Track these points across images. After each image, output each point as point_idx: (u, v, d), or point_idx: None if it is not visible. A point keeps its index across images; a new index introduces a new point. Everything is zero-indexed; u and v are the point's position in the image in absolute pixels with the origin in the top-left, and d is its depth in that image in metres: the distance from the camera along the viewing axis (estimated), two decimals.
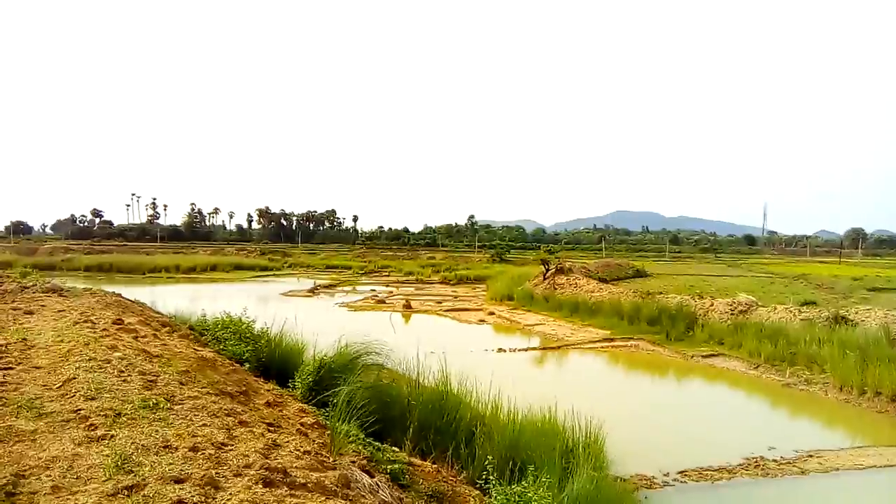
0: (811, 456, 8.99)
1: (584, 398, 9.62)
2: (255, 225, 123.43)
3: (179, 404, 4.45)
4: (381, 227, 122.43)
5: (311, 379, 6.95)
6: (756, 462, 8.72)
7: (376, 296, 30.71)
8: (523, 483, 4.48)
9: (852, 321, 15.35)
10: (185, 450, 3.54)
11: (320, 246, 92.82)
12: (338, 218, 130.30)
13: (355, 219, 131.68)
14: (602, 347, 17.86)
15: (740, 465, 8.61)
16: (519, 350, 17.12)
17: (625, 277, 35.12)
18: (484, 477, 4.96)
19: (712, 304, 19.27)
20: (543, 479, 4.57)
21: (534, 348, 17.63)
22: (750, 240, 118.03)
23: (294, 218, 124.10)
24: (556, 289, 26.44)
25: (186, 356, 6.31)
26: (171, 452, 3.47)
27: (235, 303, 16.76)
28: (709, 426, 11.06)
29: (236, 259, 53.77)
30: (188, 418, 4.19)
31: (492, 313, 24.75)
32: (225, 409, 4.72)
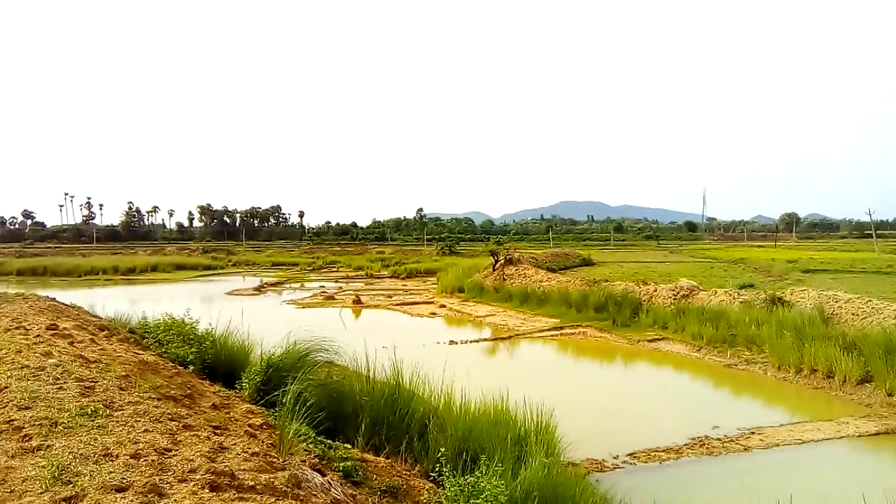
0: (753, 433, 9.33)
1: (535, 386, 9.73)
2: (196, 223, 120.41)
3: (119, 410, 4.28)
4: (329, 222, 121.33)
5: (258, 379, 6.79)
6: (701, 441, 9.00)
7: (325, 292, 30.37)
8: (476, 473, 4.50)
9: (788, 302, 15.98)
10: (127, 457, 3.40)
11: (266, 243, 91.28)
12: (283, 214, 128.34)
13: (301, 214, 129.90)
14: (552, 336, 18.12)
15: (686, 444, 8.87)
16: (470, 341, 17.20)
17: (572, 266, 35.74)
18: (437, 469, 4.96)
19: (656, 290, 19.78)
20: (496, 468, 4.60)
21: (485, 339, 17.76)
22: (690, 226, 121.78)
23: (237, 215, 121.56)
24: (505, 279, 26.68)
25: (126, 360, 6.09)
26: (112, 460, 3.33)
27: (178, 304, 16.30)
28: (656, 408, 11.36)
29: (178, 259, 52.29)
30: (129, 424, 4.03)
31: (443, 306, 24.81)
32: (168, 414, 4.57)
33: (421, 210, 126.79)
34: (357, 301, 25.94)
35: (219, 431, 4.57)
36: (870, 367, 11.31)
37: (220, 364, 8.05)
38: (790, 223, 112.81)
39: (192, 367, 7.40)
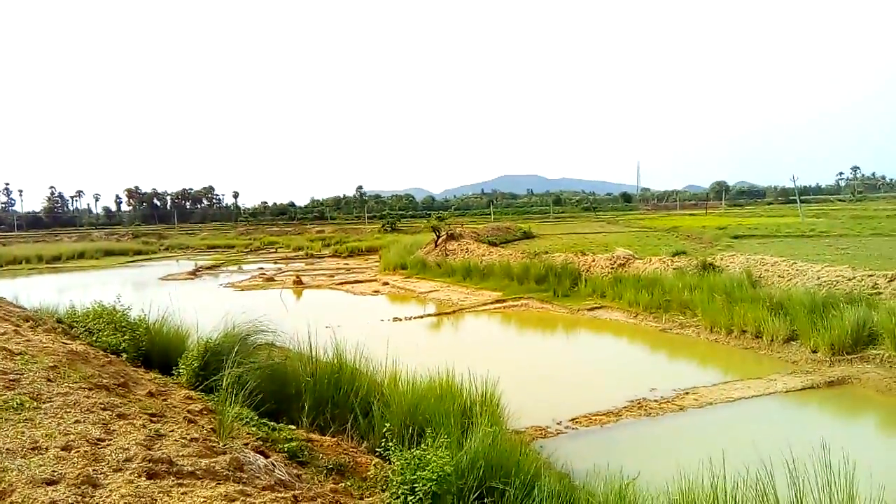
0: (688, 393, 9.72)
1: (480, 359, 9.82)
2: (124, 207, 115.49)
3: (48, 402, 4.09)
4: (265, 202, 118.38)
5: (196, 364, 6.61)
6: (639, 403, 9.32)
7: (264, 274, 29.77)
8: (422, 446, 4.52)
9: (719, 267, 16.62)
10: (57, 449, 3.26)
11: (199, 225, 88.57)
12: (217, 195, 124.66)
13: (236, 195, 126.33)
14: (495, 308, 18.34)
15: (625, 407, 9.17)
16: (415, 318, 17.23)
17: (513, 240, 36.15)
18: (383, 445, 4.96)
19: (594, 260, 20.23)
20: (442, 440, 4.63)
21: (429, 315, 17.81)
22: (626, 197, 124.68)
23: (168, 197, 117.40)
24: (448, 255, 26.76)
25: (54, 351, 5.81)
26: (41, 454, 3.19)
27: (109, 291, 15.65)
28: (596, 374, 11.68)
29: (106, 244, 50.13)
30: (59, 416, 3.87)
31: (386, 283, 24.72)
32: (101, 404, 4.40)
33: (361, 188, 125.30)
34: (298, 282, 25.55)
35: (155, 419, 4.43)
36: (795, 326, 11.90)
37: (155, 351, 7.80)
38: (720, 191, 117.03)
39: (125, 356, 7.14)
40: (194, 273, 31.98)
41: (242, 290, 24.65)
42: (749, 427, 8.62)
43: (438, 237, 28.83)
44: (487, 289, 21.00)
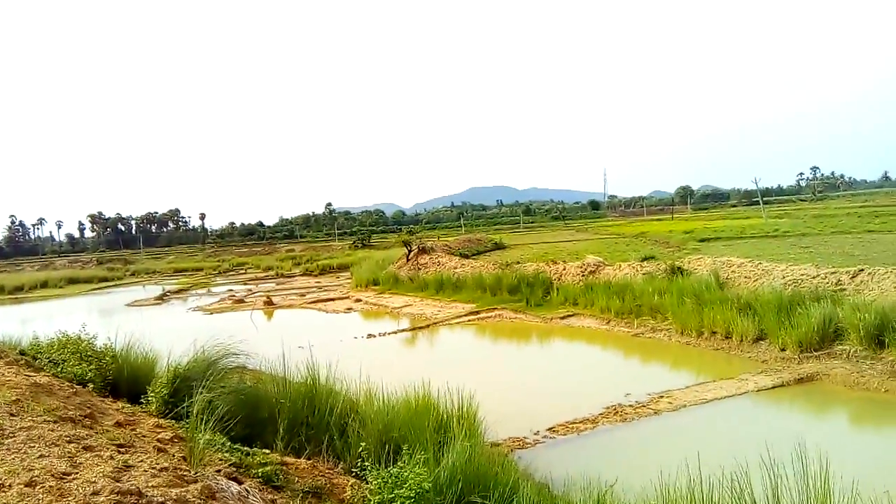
0: (662, 397, 9.80)
1: (456, 372, 9.81)
2: (88, 233, 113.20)
3: (11, 437, 3.95)
4: (233, 223, 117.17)
5: (165, 391, 6.45)
6: (615, 409, 9.36)
7: (234, 295, 29.35)
8: (399, 464, 4.46)
9: (687, 271, 16.86)
10: (21, 486, 3.14)
11: (166, 249, 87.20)
12: (182, 217, 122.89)
13: (203, 217, 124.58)
14: (469, 320, 18.33)
15: (602, 414, 9.20)
16: (389, 333, 17.12)
17: (485, 251, 36.24)
18: (360, 464, 4.88)
19: (565, 268, 20.36)
20: (419, 457, 4.58)
21: (404, 330, 17.73)
22: (594, 205, 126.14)
23: (133, 222, 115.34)
24: (420, 269, 26.71)
25: (17, 384, 5.62)
26: (4, 491, 3.07)
27: (74, 320, 15.27)
28: (572, 382, 11.73)
29: (70, 272, 48.98)
30: (22, 451, 3.73)
31: (358, 300, 24.56)
32: (66, 436, 4.26)
33: (330, 205, 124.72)
34: (268, 302, 25.24)
35: (123, 449, 4.30)
36: (763, 325, 12.10)
37: (123, 380, 7.59)
38: (685, 196, 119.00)
39: (91, 386, 6.93)
40: (162, 298, 31.39)
41: (212, 313, 24.25)
42: (723, 427, 8.72)
43: (410, 251, 28.77)
44: (461, 301, 20.99)
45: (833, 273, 13.37)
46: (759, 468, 4.43)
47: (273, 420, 6.24)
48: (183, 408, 5.92)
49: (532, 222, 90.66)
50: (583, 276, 19.30)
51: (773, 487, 4.29)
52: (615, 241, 36.84)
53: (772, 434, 7.12)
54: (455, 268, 25.21)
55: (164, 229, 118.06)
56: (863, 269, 12.92)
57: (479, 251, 35.64)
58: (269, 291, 29.84)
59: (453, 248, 32.73)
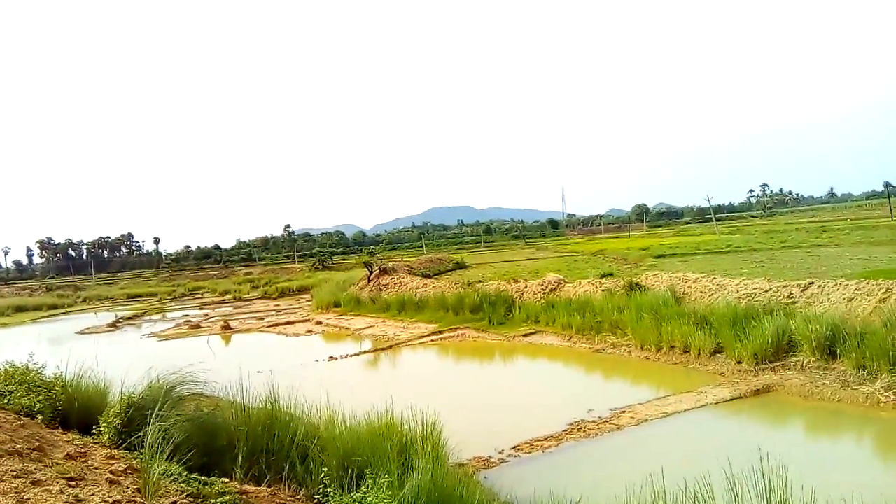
0: (624, 412, 9.88)
1: (419, 393, 9.74)
2: (37, 259, 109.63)
3: None
4: (189, 246, 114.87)
5: (118, 421, 6.22)
6: (579, 425, 9.40)
7: (190, 321, 28.66)
8: (363, 488, 4.38)
9: (645, 287, 17.13)
10: None
11: (119, 275, 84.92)
12: (136, 242, 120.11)
13: (157, 241, 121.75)
14: (432, 341, 18.25)
15: (565, 430, 9.23)
16: (351, 356, 16.92)
17: (446, 271, 36.27)
18: (322, 490, 4.78)
19: (526, 286, 20.50)
20: (382, 481, 4.50)
21: (366, 352, 17.54)
22: (553, 223, 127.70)
23: (84, 247, 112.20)
24: (381, 290, 26.55)
25: None
26: None
27: (21, 349, 14.64)
28: (536, 399, 11.75)
29: (17, 300, 47.21)
30: None
31: (319, 322, 24.25)
32: (13, 471, 4.07)
33: (289, 226, 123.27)
34: (226, 327, 24.72)
35: (74, 483, 4.13)
36: (720, 338, 12.35)
37: (74, 411, 7.29)
38: (641, 213, 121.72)
39: (40, 417, 6.64)
40: (114, 325, 30.44)
41: (167, 339, 23.62)
42: (685, 440, 8.83)
43: (371, 272, 28.60)
44: (423, 321, 20.91)
45: (785, 286, 13.76)
46: (720, 480, 4.49)
47: (232, 447, 6.07)
48: (137, 438, 5.72)
49: (493, 241, 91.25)
50: (544, 293, 19.45)
51: (734, 498, 4.35)
52: (574, 259, 37.33)
53: (731, 445, 7.24)
54: (417, 288, 25.15)
55: (117, 254, 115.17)
56: (813, 283, 13.33)
57: (441, 271, 35.67)
58: (226, 316, 29.25)
59: (415, 269, 32.69)
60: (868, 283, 12.05)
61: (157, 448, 4.90)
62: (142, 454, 5.16)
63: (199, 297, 44.37)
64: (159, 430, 5.24)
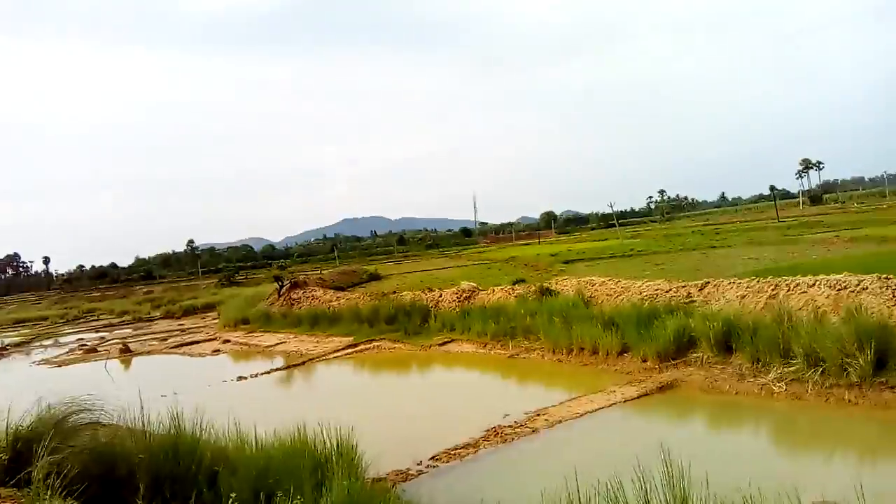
0: (539, 415, 10.05)
1: (335, 408, 9.53)
2: None
3: None
4: (82, 266, 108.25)
5: (5, 456, 5.73)
6: (496, 431, 9.47)
7: (85, 345, 26.84)
8: None
9: (555, 291, 17.56)
10: None
11: (5, 298, 78.78)
12: (23, 262, 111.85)
13: (46, 261, 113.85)
14: (347, 354, 17.96)
15: (483, 437, 9.27)
16: (262, 374, 16.35)
17: (360, 282, 35.88)
18: None
19: (441, 295, 20.57)
20: (296, 502, 4.35)
21: (278, 369, 17.01)
22: (466, 232, 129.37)
23: None
24: (293, 304, 25.89)
25: None
26: None
27: None
28: (453, 407, 11.77)
29: None
30: None
31: (227, 341, 23.34)
32: None
33: (192, 242, 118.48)
34: (125, 350, 23.31)
35: None
36: (626, 339, 12.81)
37: None
38: (549, 220, 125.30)
39: None
40: (0, 352, 28.11)
41: (60, 365, 21.98)
42: (596, 439, 9.09)
43: (282, 287, 27.84)
44: (337, 335, 20.53)
45: (683, 287, 14.48)
46: (630, 476, 4.64)
47: (132, 477, 5.70)
48: (27, 472, 5.29)
49: (407, 251, 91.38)
50: (459, 301, 19.59)
51: (643, 493, 4.51)
52: (487, 267, 37.90)
53: (639, 441, 7.52)
54: (330, 301, 24.70)
55: (2, 276, 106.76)
56: (708, 282, 14.11)
57: (355, 283, 35.24)
58: (125, 338, 27.64)
59: (328, 281, 32.13)
60: (758, 281, 12.89)
61: (49, 483, 4.54)
62: (32, 490, 4.76)
63: (95, 320, 41.74)
64: (51, 464, 4.87)
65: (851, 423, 8.47)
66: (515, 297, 18.04)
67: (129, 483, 5.69)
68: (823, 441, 8.43)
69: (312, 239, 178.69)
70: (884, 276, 11.01)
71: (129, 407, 6.81)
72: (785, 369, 9.81)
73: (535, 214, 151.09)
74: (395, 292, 23.69)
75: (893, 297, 10.39)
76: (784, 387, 9.63)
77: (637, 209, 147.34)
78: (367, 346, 18.49)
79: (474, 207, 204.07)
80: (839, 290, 11.13)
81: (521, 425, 9.64)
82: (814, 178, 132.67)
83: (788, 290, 11.98)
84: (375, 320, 20.22)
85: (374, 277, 38.73)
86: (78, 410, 6.66)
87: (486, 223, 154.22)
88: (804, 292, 11.67)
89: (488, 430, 9.51)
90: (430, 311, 19.66)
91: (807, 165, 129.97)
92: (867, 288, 10.82)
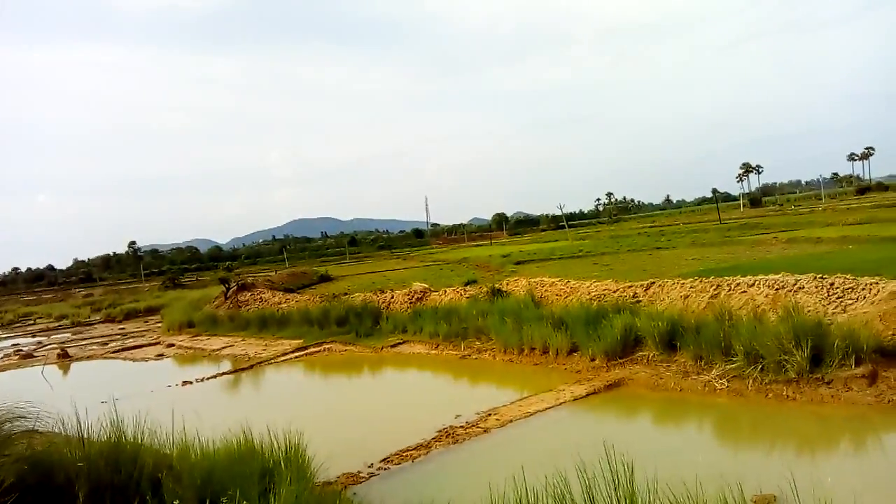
0: (490, 415, 10.12)
1: (284, 412, 9.41)
2: None
3: None
4: (17, 268, 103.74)
5: None
6: (447, 431, 9.49)
7: (20, 350, 25.74)
8: None
9: (506, 292, 17.73)
10: None
11: None
12: None
13: None
14: (296, 357, 17.72)
15: (434, 438, 9.28)
16: (207, 378, 15.97)
17: (310, 284, 35.46)
18: None
19: (393, 297, 20.51)
20: None
21: (224, 373, 16.64)
22: (418, 233, 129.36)
23: None
24: (240, 307, 25.40)
25: None
26: None
27: None
28: (405, 409, 11.75)
29: None
30: None
31: (171, 345, 22.71)
32: None
33: (134, 243, 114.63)
34: (63, 355, 22.44)
35: None
36: (575, 338, 13.02)
37: None
38: (500, 222, 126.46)
39: None
40: None
41: None
42: (546, 438, 9.20)
43: (228, 289, 27.28)
44: (287, 338, 20.24)
45: (630, 287, 14.82)
46: (576, 474, 4.72)
47: (71, 486, 5.49)
48: None
49: (358, 252, 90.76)
50: (410, 303, 19.56)
51: (588, 490, 4.60)
52: (440, 268, 37.98)
53: (586, 438, 7.65)
54: (279, 303, 24.33)
55: None
56: (654, 282, 14.48)
57: (305, 284, 34.82)
58: (63, 343, 26.61)
59: (277, 283, 31.64)
60: (701, 281, 13.30)
61: None
62: None
63: (31, 324, 40.11)
64: None
65: (790, 418, 8.80)
66: (467, 297, 18.12)
67: (68, 492, 5.48)
68: (763, 435, 8.73)
69: (261, 240, 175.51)
70: (819, 275, 11.53)
71: (67, 414, 6.56)
72: (727, 366, 10.13)
73: (487, 216, 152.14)
74: (346, 294, 23.52)
75: (828, 295, 10.90)
76: (726, 383, 9.96)
77: (586, 211, 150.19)
78: (318, 348, 18.28)
79: (426, 208, 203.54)
80: (777, 289, 11.59)
81: (473, 425, 9.69)
82: (753, 182, 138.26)
83: (729, 290, 12.42)
84: (326, 322, 20.01)
85: (325, 279, 38.34)
86: (12, 418, 6.37)
87: (439, 224, 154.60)
88: (744, 292, 12.11)
89: (440, 431, 9.53)
90: (382, 312, 19.57)
91: (747, 169, 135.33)
92: (804, 287, 11.30)
